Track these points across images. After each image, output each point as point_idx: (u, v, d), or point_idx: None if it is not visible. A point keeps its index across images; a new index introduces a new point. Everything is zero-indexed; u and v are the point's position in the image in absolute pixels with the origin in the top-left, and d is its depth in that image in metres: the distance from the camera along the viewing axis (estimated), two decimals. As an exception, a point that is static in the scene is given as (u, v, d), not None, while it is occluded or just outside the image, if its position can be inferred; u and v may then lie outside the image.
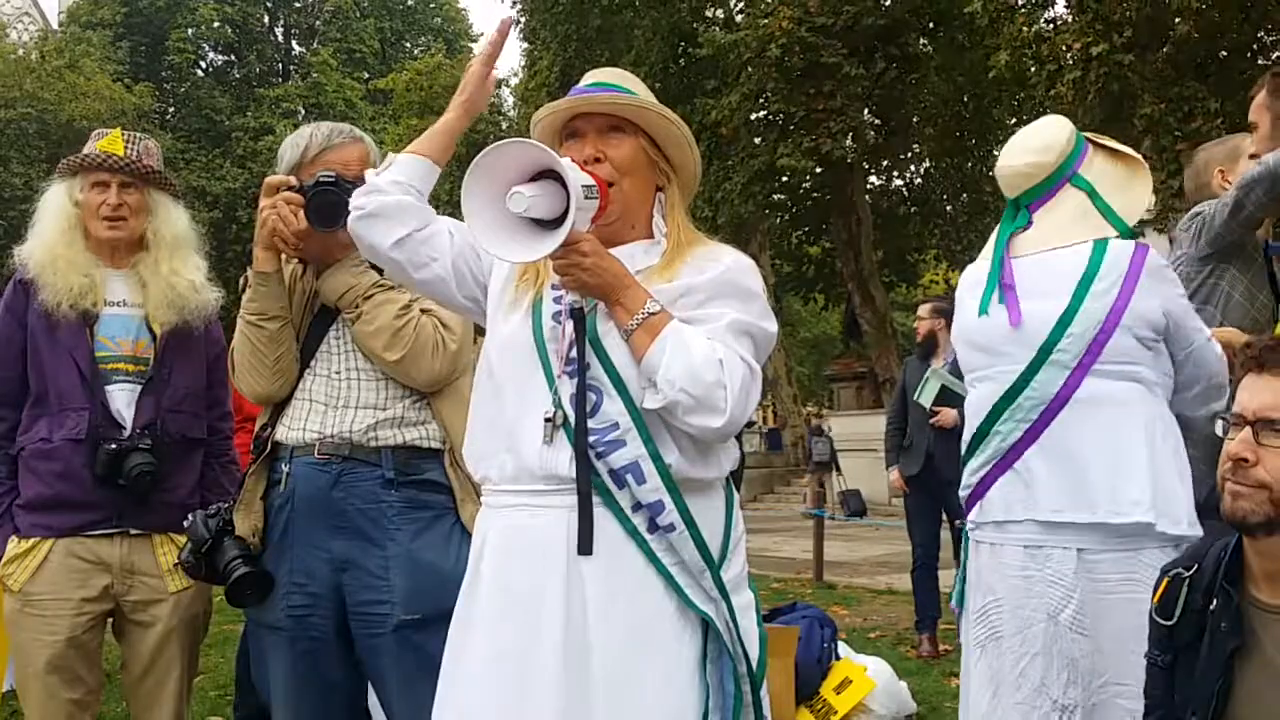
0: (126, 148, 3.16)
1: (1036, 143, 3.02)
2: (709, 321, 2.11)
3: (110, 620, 3.17)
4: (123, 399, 3.10)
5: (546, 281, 2.20)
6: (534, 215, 2.03)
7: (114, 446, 3.01)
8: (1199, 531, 2.76)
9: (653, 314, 2.06)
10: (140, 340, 3.15)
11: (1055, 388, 2.83)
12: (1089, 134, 3.10)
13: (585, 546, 2.04)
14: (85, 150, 3.19)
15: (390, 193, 2.26)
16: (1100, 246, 2.89)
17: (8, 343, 3.13)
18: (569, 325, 2.13)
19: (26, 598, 3.03)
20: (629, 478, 2.07)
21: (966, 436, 3.04)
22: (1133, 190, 3.02)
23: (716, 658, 2.12)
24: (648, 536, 2.08)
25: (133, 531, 3.09)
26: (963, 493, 3.05)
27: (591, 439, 2.07)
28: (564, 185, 1.99)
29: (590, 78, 2.33)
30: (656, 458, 2.07)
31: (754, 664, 2.16)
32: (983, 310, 2.98)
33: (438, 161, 2.33)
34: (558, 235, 1.98)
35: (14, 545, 3.06)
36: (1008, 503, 2.90)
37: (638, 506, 2.07)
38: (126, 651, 3.18)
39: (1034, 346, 2.87)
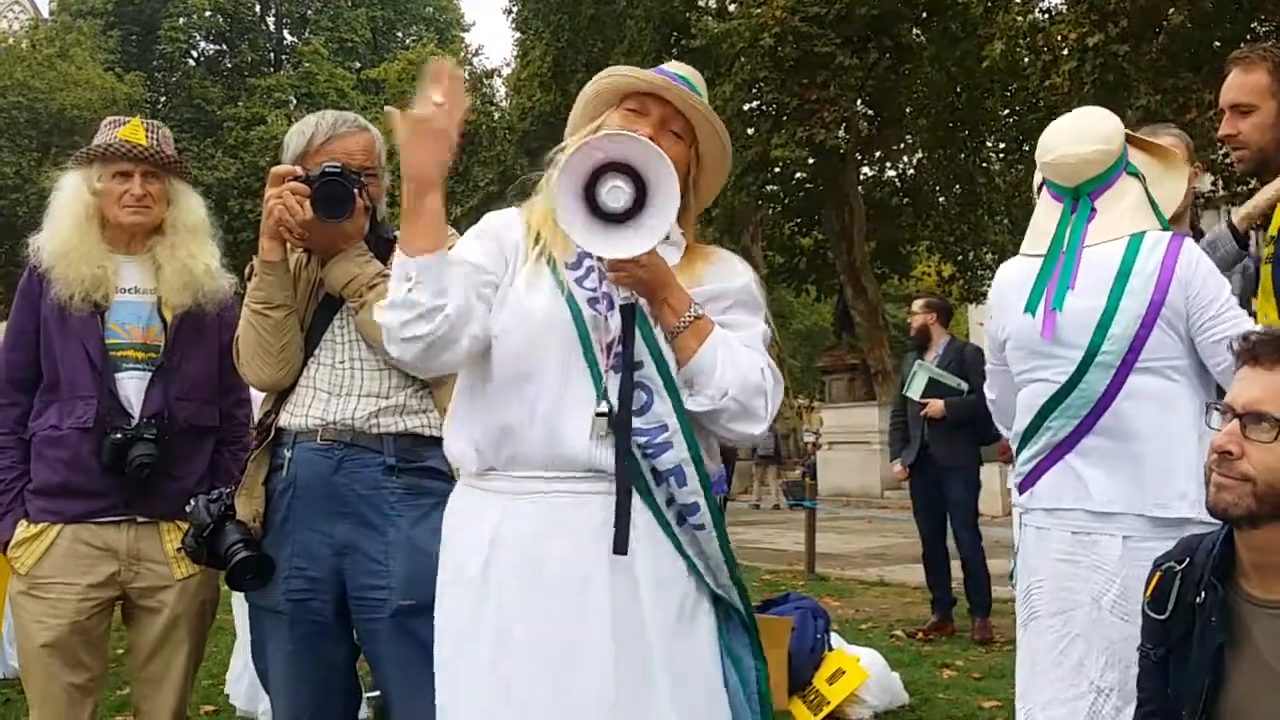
0: (148, 136, 3.15)
1: (1100, 130, 3.01)
2: (740, 328, 2.16)
3: (121, 606, 3.18)
4: (132, 387, 3.10)
5: (561, 256, 2.15)
6: (621, 209, 2.02)
7: (119, 436, 3.02)
8: None
9: (698, 317, 2.08)
10: (151, 327, 3.15)
11: (1103, 386, 2.89)
12: None
13: (621, 546, 2.03)
14: (104, 138, 3.16)
15: (436, 321, 2.02)
16: (1135, 242, 2.91)
17: (22, 329, 3.15)
18: (613, 318, 2.10)
19: (32, 581, 3.05)
20: (671, 480, 2.08)
21: (1019, 428, 3.10)
22: (1168, 182, 3.06)
23: (732, 636, 2.18)
24: (676, 529, 2.11)
25: (140, 519, 3.10)
26: (1014, 480, 3.13)
27: (642, 440, 2.06)
28: (634, 181, 2.00)
29: (674, 68, 2.29)
30: (699, 461, 2.09)
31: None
32: (1030, 308, 2.99)
33: (445, 243, 2.07)
34: (655, 229, 1.99)
35: (23, 529, 3.08)
36: (1057, 491, 2.97)
37: (671, 502, 2.10)
38: (133, 636, 3.20)
39: (1079, 347, 2.91)
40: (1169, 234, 2.93)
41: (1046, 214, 3.10)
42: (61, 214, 3.14)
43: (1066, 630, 2.92)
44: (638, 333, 2.09)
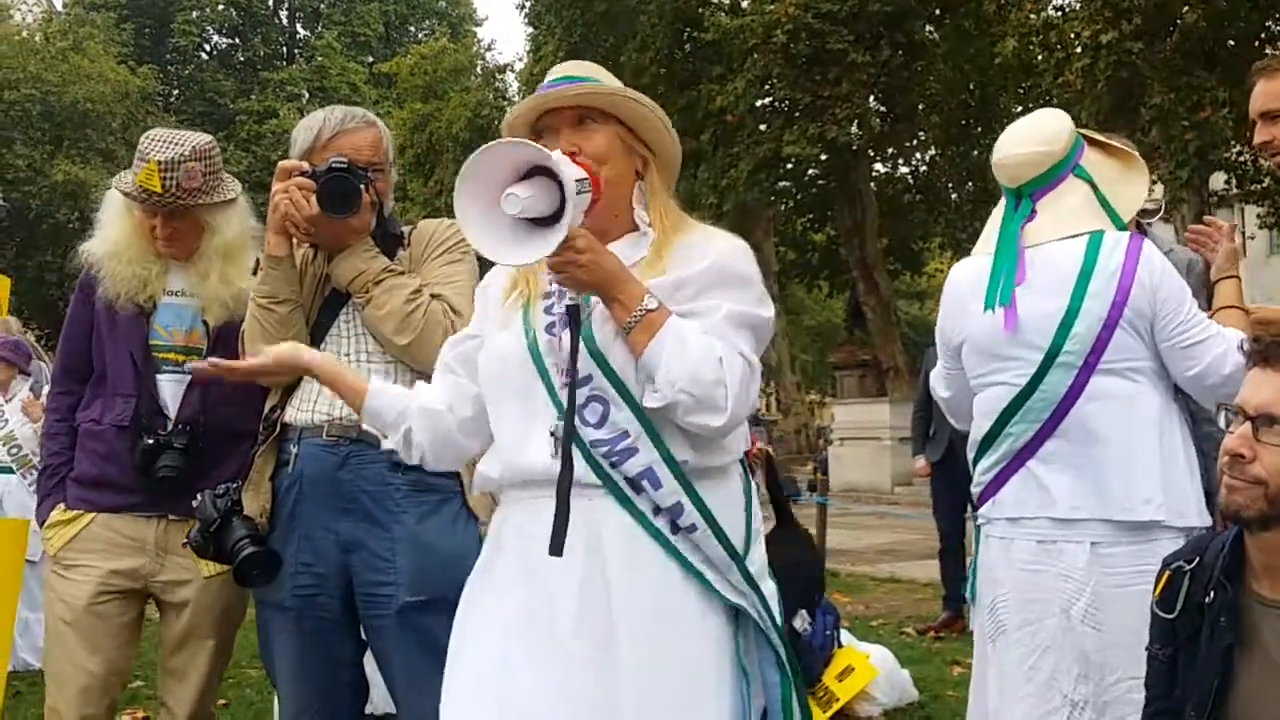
0: (164, 182, 3.01)
1: (1043, 132, 3.00)
2: (705, 315, 2.07)
3: (154, 602, 3.21)
4: (169, 390, 3.13)
5: (536, 294, 2.19)
6: (529, 215, 1.98)
7: (151, 442, 3.04)
8: (1208, 521, 2.79)
9: (650, 310, 2.02)
10: (194, 331, 3.18)
11: (1064, 388, 2.83)
12: (1081, 130, 3.08)
13: (557, 549, 2.00)
14: (132, 169, 3.09)
15: (413, 448, 2.32)
16: (1095, 241, 2.87)
17: (78, 322, 3.21)
18: (565, 335, 2.09)
19: (60, 560, 3.12)
20: (645, 484, 2.06)
21: (975, 437, 3.04)
22: (1128, 185, 3.02)
23: (752, 649, 2.13)
24: (672, 538, 2.07)
25: (171, 517, 3.12)
26: (974, 489, 3.06)
27: (604, 449, 2.06)
28: (557, 181, 1.96)
29: (554, 73, 2.28)
30: (670, 461, 2.06)
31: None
32: (988, 305, 2.94)
33: (365, 388, 2.33)
34: (556, 233, 1.94)
35: (59, 513, 3.14)
36: (1020, 500, 2.90)
37: (658, 510, 2.07)
38: (162, 630, 3.22)
39: (1040, 348, 2.86)
40: (1127, 234, 2.90)
41: (996, 214, 3.09)
42: (110, 226, 3.17)
43: (1035, 643, 2.83)
44: (583, 345, 2.07)
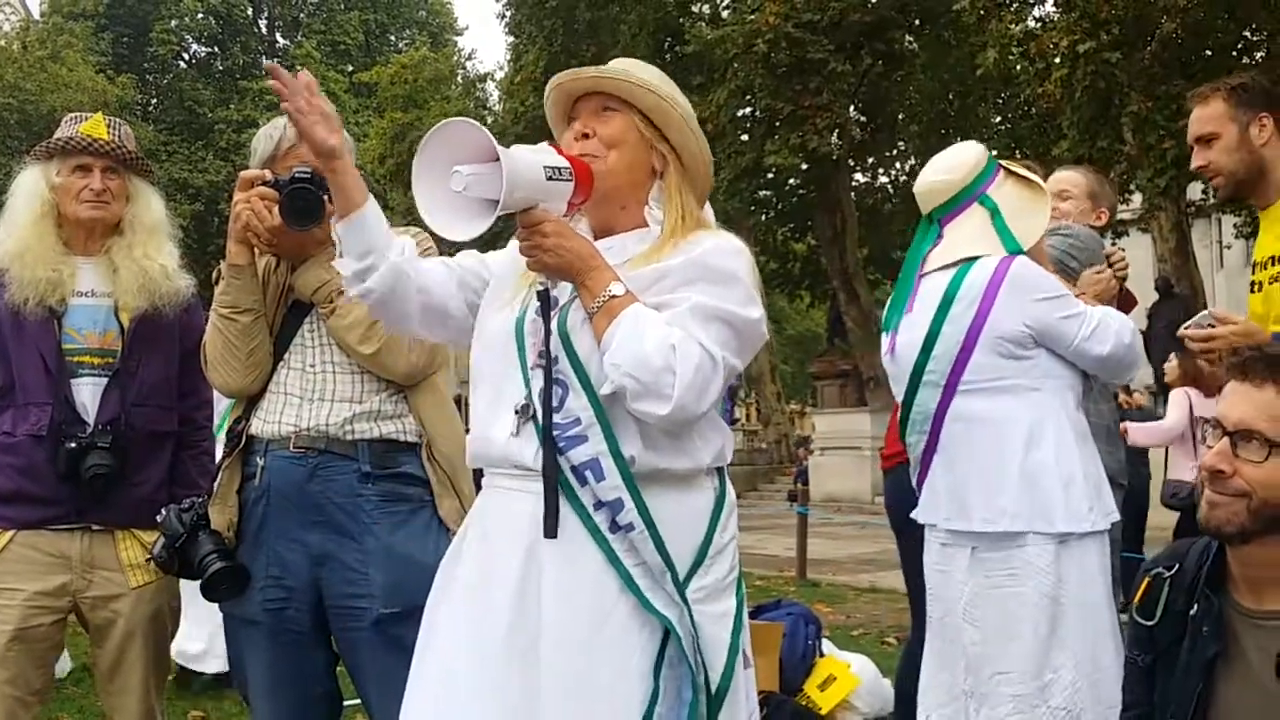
0: (110, 132, 3.10)
1: (946, 162, 3.24)
2: (674, 306, 2.04)
3: (81, 622, 3.11)
4: (88, 393, 3.03)
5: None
6: (478, 194, 1.98)
7: (73, 445, 2.95)
8: (1077, 526, 2.95)
9: (614, 297, 2.01)
10: (109, 332, 3.08)
11: (933, 405, 3.09)
12: (1005, 162, 3.25)
13: (551, 530, 2.01)
14: (64, 133, 3.11)
15: (368, 282, 2.24)
16: (962, 271, 3.06)
17: None
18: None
19: None
20: (589, 474, 2.03)
21: None
22: (1033, 216, 3.17)
23: (676, 663, 2.04)
24: (609, 536, 2.03)
25: (95, 527, 3.03)
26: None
27: (554, 433, 2.04)
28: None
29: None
30: (617, 455, 2.02)
31: (716, 675, 2.08)
32: (884, 328, 3.21)
33: (363, 205, 2.24)
34: (490, 214, 1.96)
35: None
36: (925, 507, 3.21)
37: (599, 505, 2.03)
38: (94, 650, 3.14)
39: (908, 371, 3.12)
40: (997, 259, 3.04)
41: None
42: (18, 212, 3.07)
43: (946, 636, 3.10)
44: (555, 327, 2.07)
